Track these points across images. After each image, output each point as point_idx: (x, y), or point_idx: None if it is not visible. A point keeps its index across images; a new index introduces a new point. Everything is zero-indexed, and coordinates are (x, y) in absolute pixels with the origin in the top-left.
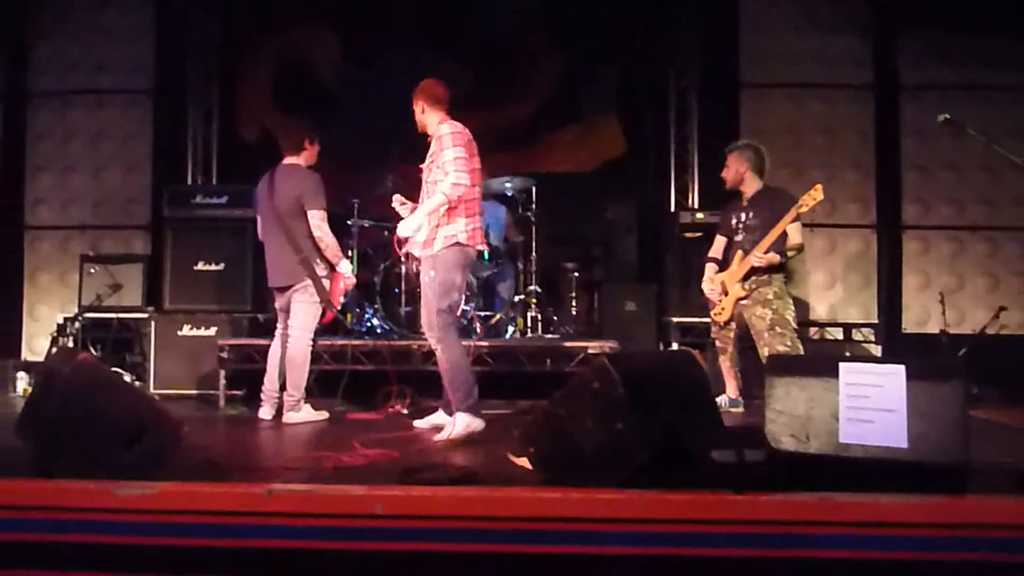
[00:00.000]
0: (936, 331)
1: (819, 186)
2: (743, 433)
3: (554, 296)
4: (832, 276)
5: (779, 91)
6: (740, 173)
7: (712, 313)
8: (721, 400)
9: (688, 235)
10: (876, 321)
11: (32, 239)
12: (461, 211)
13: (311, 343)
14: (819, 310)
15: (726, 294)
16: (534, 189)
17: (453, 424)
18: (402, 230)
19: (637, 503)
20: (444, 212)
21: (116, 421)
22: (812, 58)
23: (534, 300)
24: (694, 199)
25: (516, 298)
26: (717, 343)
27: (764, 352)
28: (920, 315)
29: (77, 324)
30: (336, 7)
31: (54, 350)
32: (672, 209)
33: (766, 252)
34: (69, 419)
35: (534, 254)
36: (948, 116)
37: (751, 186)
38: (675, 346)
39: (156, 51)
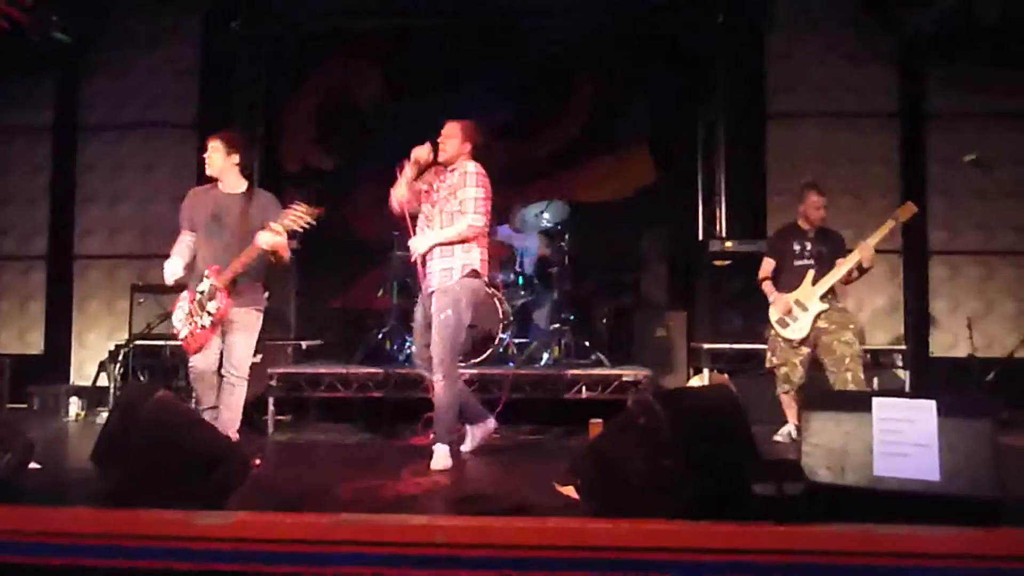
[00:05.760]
0: (964, 355)
1: (910, 203)
2: (780, 466)
3: (588, 323)
4: (859, 301)
5: (806, 120)
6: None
7: (784, 333)
8: (787, 431)
9: (717, 263)
10: (904, 347)
11: (81, 268)
12: (475, 244)
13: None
14: None
15: (788, 313)
16: (567, 218)
17: (434, 456)
18: (417, 246)
19: (686, 533)
20: (461, 243)
21: (192, 453)
22: (839, 87)
23: (568, 328)
24: (722, 228)
25: (551, 326)
26: (783, 368)
27: (846, 378)
28: (948, 340)
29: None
30: (377, 42)
31: (102, 375)
32: (700, 237)
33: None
34: (150, 451)
35: (568, 282)
36: (974, 157)
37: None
38: (706, 372)
39: (201, 87)
